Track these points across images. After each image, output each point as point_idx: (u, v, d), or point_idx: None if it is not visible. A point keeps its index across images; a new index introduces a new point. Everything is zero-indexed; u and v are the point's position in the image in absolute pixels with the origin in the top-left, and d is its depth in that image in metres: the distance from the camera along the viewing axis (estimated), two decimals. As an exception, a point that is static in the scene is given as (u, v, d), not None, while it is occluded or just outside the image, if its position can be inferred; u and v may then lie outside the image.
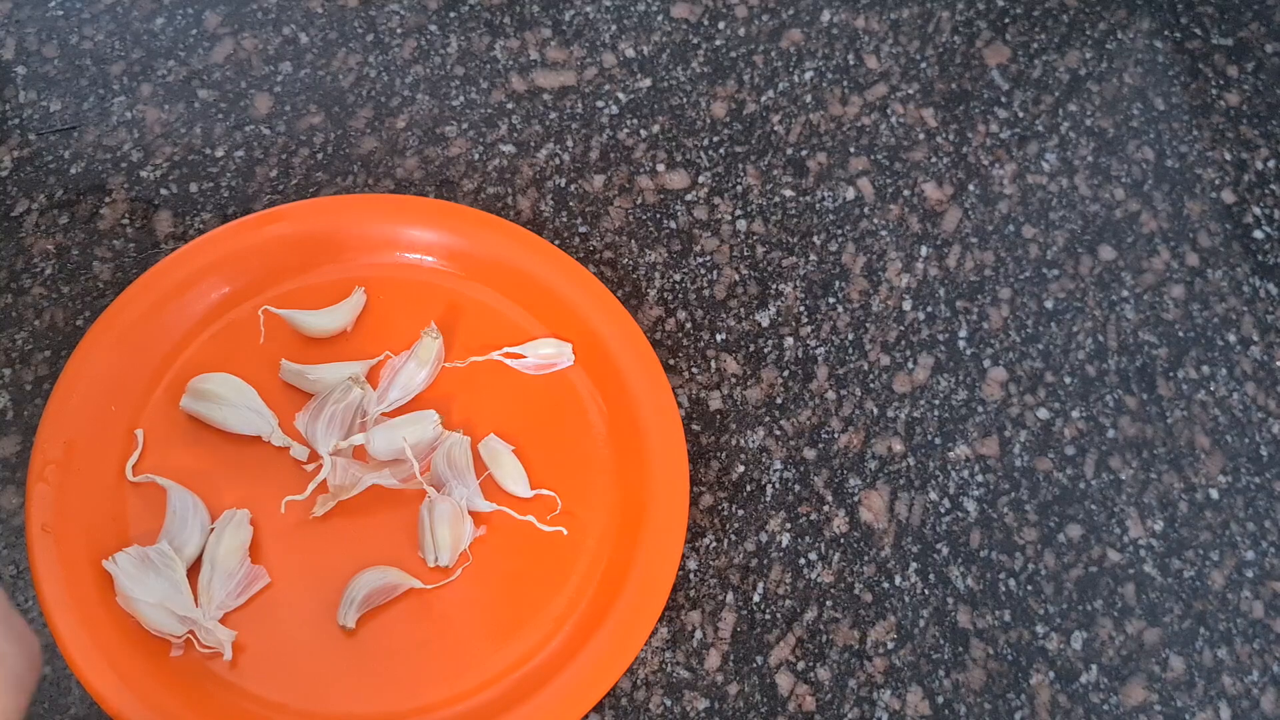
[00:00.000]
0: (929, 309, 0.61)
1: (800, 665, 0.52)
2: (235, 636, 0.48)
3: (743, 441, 0.57)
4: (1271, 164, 0.69)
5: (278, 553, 0.51)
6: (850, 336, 0.60)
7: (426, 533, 0.51)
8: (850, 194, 0.64)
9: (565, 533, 0.52)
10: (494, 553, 0.52)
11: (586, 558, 0.52)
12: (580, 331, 0.56)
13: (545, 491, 0.53)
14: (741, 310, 0.60)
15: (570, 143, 0.64)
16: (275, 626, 0.49)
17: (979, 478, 0.57)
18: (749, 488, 0.56)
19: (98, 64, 0.63)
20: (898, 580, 0.55)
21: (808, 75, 0.68)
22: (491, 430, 0.54)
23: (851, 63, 0.69)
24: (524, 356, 0.56)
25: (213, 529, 0.50)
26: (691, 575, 0.54)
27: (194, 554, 0.49)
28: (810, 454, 0.57)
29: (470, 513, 0.52)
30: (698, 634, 0.52)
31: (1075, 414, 0.60)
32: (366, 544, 0.51)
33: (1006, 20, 0.72)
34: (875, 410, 0.58)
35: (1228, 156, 0.69)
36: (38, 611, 0.49)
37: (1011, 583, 0.55)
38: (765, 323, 0.60)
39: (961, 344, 0.61)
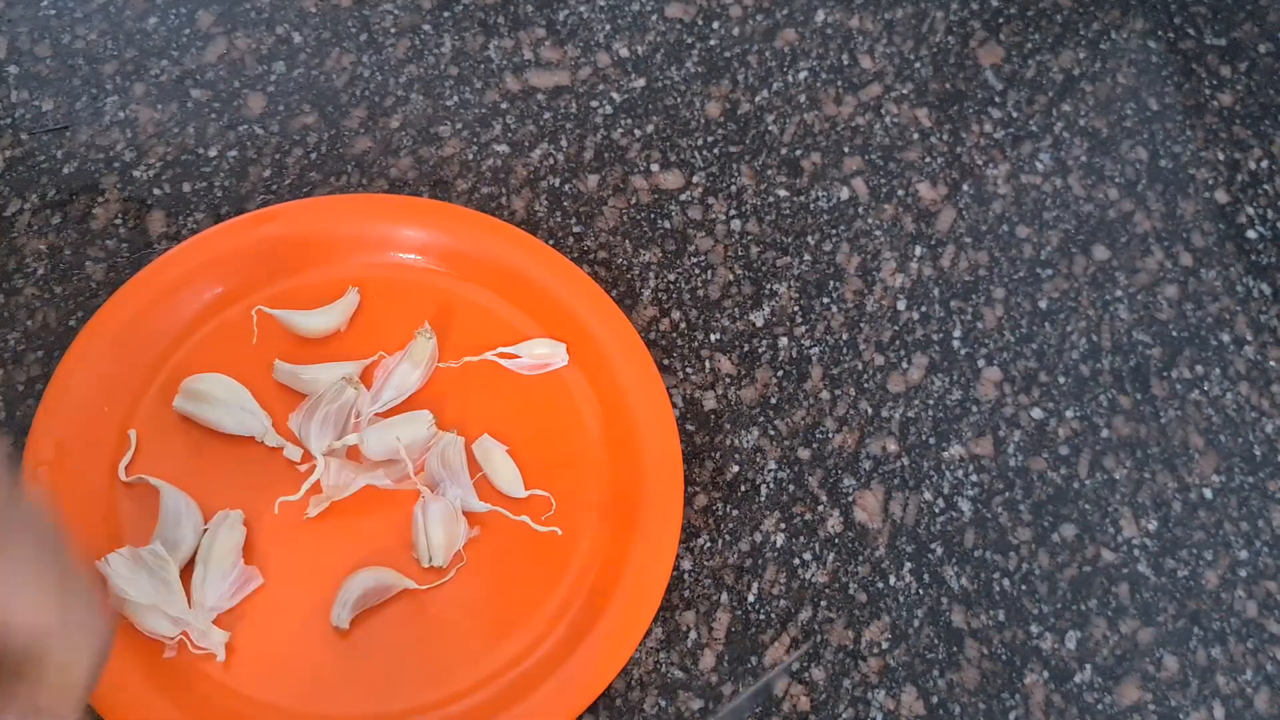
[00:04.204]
0: (923, 309, 0.61)
1: (795, 665, 0.52)
2: (229, 637, 0.48)
3: (737, 441, 0.57)
4: (1265, 164, 0.69)
5: (271, 553, 0.51)
6: (845, 336, 0.60)
7: (420, 533, 0.51)
8: (844, 194, 0.64)
9: (559, 533, 0.52)
10: (488, 553, 0.52)
11: (580, 558, 0.52)
12: (574, 332, 0.56)
13: (539, 492, 0.53)
14: (736, 310, 0.60)
15: (564, 143, 0.64)
16: (269, 627, 0.49)
17: (973, 477, 0.57)
18: (743, 488, 0.56)
19: (90, 63, 0.63)
20: (892, 580, 0.55)
21: (802, 75, 0.68)
22: (485, 430, 0.54)
23: (846, 63, 0.69)
24: (518, 356, 0.56)
25: (206, 529, 0.50)
26: (686, 575, 0.53)
27: (187, 555, 0.49)
28: (805, 454, 0.57)
29: (464, 513, 0.52)
30: (692, 634, 0.52)
31: (1069, 414, 0.60)
32: (360, 544, 0.51)
33: (1000, 20, 0.72)
34: (870, 410, 0.58)
35: (1221, 156, 0.69)
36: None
37: (1006, 582, 0.55)
38: (760, 323, 0.60)
39: (956, 344, 0.61)
